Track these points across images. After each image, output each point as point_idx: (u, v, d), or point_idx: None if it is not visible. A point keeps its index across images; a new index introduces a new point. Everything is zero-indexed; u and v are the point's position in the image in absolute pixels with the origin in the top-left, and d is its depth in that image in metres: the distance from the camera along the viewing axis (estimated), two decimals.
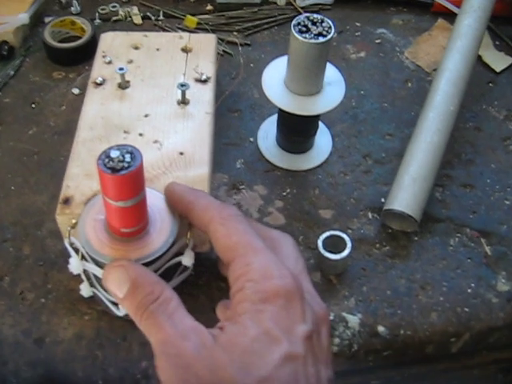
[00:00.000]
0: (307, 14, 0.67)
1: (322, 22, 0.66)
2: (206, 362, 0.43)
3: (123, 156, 0.50)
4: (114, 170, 0.49)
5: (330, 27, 0.66)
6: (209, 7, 0.99)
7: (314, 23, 0.66)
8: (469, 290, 0.70)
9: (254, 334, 0.43)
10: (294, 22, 0.66)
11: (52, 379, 0.63)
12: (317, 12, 0.99)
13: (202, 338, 0.44)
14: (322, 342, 0.47)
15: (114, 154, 0.50)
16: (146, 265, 0.57)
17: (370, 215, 0.75)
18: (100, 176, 0.50)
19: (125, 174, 0.49)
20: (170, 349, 0.44)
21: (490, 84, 0.92)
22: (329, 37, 0.65)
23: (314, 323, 0.46)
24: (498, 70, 0.93)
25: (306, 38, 0.65)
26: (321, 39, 0.65)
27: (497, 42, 0.98)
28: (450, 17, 0.98)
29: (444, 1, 0.98)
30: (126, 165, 0.49)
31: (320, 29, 0.66)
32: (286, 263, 0.49)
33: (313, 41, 0.65)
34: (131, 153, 0.50)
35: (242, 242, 0.48)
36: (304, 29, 0.66)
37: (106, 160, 0.49)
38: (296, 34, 0.65)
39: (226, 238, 0.49)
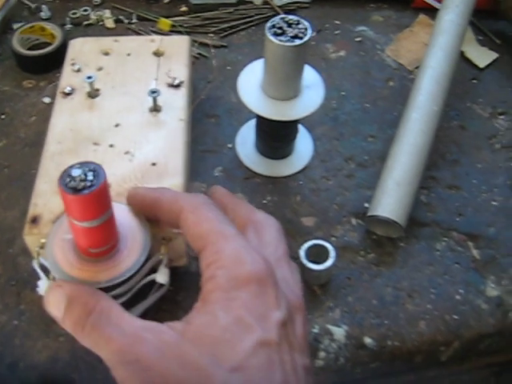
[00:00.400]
0: (282, 16, 0.64)
1: (298, 23, 0.64)
2: (172, 359, 0.40)
3: (85, 174, 0.47)
4: (75, 190, 0.46)
5: (306, 29, 0.63)
6: (183, 8, 0.96)
7: (289, 25, 0.63)
8: (457, 297, 0.67)
9: (225, 323, 0.41)
10: (269, 24, 0.63)
11: None
12: (294, 11, 0.97)
13: (161, 336, 0.42)
14: (297, 330, 0.45)
15: (76, 172, 0.47)
16: (118, 285, 0.54)
17: (353, 221, 0.73)
18: (62, 196, 0.47)
19: (87, 193, 0.46)
20: (127, 356, 0.41)
21: (474, 80, 0.90)
22: (305, 39, 0.62)
23: (288, 310, 0.44)
24: (481, 65, 0.91)
25: (281, 40, 0.62)
26: (297, 42, 0.62)
27: (479, 37, 0.96)
28: (432, 12, 0.96)
29: None
30: (88, 184, 0.47)
31: (296, 31, 0.63)
32: (265, 249, 0.48)
33: (288, 44, 0.62)
34: (94, 170, 0.48)
35: (212, 230, 0.46)
36: (279, 31, 0.63)
37: (68, 179, 0.47)
38: (271, 37, 0.62)
39: (196, 226, 0.47)
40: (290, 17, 0.64)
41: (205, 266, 0.45)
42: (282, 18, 0.64)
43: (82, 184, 0.46)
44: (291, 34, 0.63)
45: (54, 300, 0.48)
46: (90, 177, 0.47)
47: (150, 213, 0.53)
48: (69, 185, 0.46)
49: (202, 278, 0.45)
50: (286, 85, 0.67)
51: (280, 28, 0.63)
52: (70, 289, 0.48)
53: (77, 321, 0.45)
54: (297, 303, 0.47)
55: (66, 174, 0.47)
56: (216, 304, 0.42)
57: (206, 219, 0.47)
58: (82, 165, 0.48)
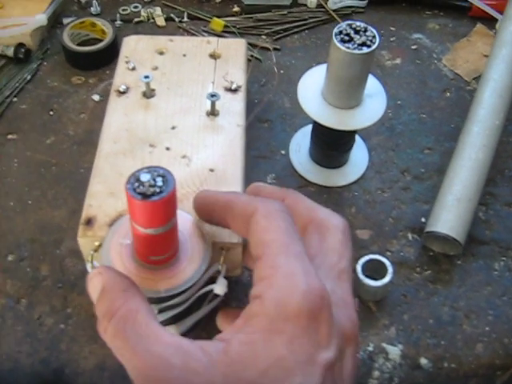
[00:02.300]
0: (349, 22, 0.62)
1: (366, 30, 0.62)
2: None
3: (154, 180, 0.45)
4: (144, 196, 0.45)
5: (374, 36, 0.61)
6: (235, 9, 0.94)
7: (356, 32, 0.61)
8: None
9: (264, 366, 0.36)
10: (336, 30, 0.61)
11: None
12: (349, 15, 0.95)
13: (189, 364, 0.36)
14: (345, 368, 0.40)
15: (145, 177, 0.45)
16: (176, 295, 0.53)
17: (409, 236, 0.71)
18: (129, 201, 0.46)
19: (157, 200, 0.45)
20: (149, 379, 0.37)
21: None
22: (373, 47, 0.60)
23: (338, 347, 0.39)
24: None
25: (348, 48, 0.60)
26: (365, 49, 0.60)
27: None
28: (489, 22, 0.94)
29: (483, 4, 0.93)
30: (157, 190, 0.45)
31: (364, 38, 0.61)
32: (327, 257, 0.44)
33: (356, 51, 0.60)
34: (163, 176, 0.46)
35: (278, 241, 0.41)
36: (346, 38, 0.61)
37: (136, 184, 0.45)
38: (338, 44, 0.60)
39: (263, 232, 0.42)
40: (358, 23, 0.62)
41: (257, 279, 0.41)
42: (349, 25, 0.62)
43: (152, 190, 0.45)
44: (359, 42, 0.61)
45: (92, 286, 0.44)
46: (160, 183, 0.45)
47: (220, 216, 0.49)
48: (137, 190, 0.44)
49: (252, 290, 0.40)
50: (349, 93, 0.65)
51: (347, 34, 0.61)
52: (106, 278, 0.44)
53: (102, 316, 0.41)
54: (351, 332, 0.42)
55: (134, 178, 0.45)
56: (258, 334, 0.38)
57: (276, 228, 0.42)
58: (150, 169, 0.46)
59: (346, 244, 0.47)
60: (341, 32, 0.61)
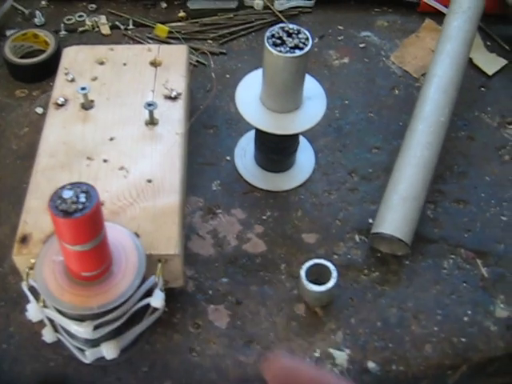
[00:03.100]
0: (282, 25, 0.61)
1: (299, 32, 0.61)
2: None
3: (77, 196, 0.45)
4: (66, 213, 0.44)
5: (307, 38, 0.60)
6: (181, 14, 0.93)
7: (289, 34, 0.61)
8: (465, 318, 0.65)
9: None
10: (268, 33, 0.60)
11: None
12: (296, 16, 0.94)
13: None
14: None
15: (67, 194, 0.44)
16: (111, 310, 0.52)
17: (357, 238, 0.70)
18: (52, 219, 0.45)
19: (79, 216, 0.44)
20: None
21: (482, 88, 0.87)
22: (306, 49, 0.60)
23: None
24: (490, 73, 0.88)
25: (280, 51, 0.59)
26: (297, 52, 0.59)
27: (488, 43, 0.93)
28: (438, 17, 0.93)
29: (431, 0, 0.93)
30: (80, 206, 0.44)
31: (296, 41, 0.60)
32: None
33: (288, 54, 0.59)
34: (86, 192, 0.45)
35: None
36: (279, 41, 0.60)
37: (58, 202, 0.44)
38: (270, 48, 0.59)
39: None
40: (290, 26, 0.61)
41: None
42: (282, 28, 0.61)
43: (74, 207, 0.44)
44: (291, 45, 0.60)
45: None
46: (82, 199, 0.44)
47: None
48: (59, 207, 0.44)
49: None
50: (285, 97, 0.64)
51: (279, 38, 0.60)
52: None
53: None
54: None
55: (56, 196, 0.44)
56: None
57: None
58: (73, 186, 0.45)
59: None
60: (273, 35, 0.61)
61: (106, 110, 0.68)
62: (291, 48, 0.60)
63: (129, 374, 0.60)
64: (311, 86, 0.67)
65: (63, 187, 0.45)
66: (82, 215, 0.44)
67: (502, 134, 0.81)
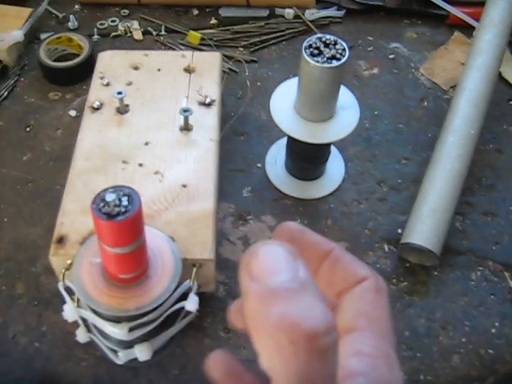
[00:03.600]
0: (319, 35, 0.62)
1: (336, 43, 0.61)
2: None
3: (120, 199, 0.45)
4: (109, 216, 0.44)
5: (344, 49, 0.61)
6: (213, 21, 0.94)
7: (326, 45, 0.61)
8: (492, 330, 0.65)
9: None
10: (305, 43, 0.61)
11: None
12: (326, 25, 0.95)
13: None
14: None
15: (110, 197, 0.45)
16: (147, 313, 0.52)
17: (386, 248, 0.70)
18: (95, 221, 0.46)
19: (122, 219, 0.45)
20: None
21: (511, 102, 0.87)
22: (343, 60, 0.60)
23: None
24: None
25: (318, 61, 0.60)
26: (334, 63, 0.60)
27: None
28: (467, 29, 0.94)
29: (460, 13, 0.93)
30: (122, 209, 0.45)
31: (333, 51, 0.61)
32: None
33: (326, 65, 0.60)
34: (128, 195, 0.46)
35: (382, 322, 0.34)
36: (316, 51, 0.61)
37: (101, 204, 0.45)
38: (307, 58, 0.60)
39: (371, 305, 0.35)
40: (328, 36, 0.62)
41: (352, 351, 0.33)
42: (319, 38, 0.62)
43: (117, 210, 0.45)
44: (328, 55, 0.60)
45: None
46: (125, 202, 0.45)
47: (313, 264, 0.37)
48: (102, 210, 0.44)
49: (346, 360, 0.32)
50: (320, 106, 0.65)
51: (317, 48, 0.61)
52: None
53: None
54: None
55: (99, 198, 0.45)
56: None
57: (383, 308, 0.35)
58: (115, 189, 0.46)
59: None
60: (310, 46, 0.61)
61: (141, 114, 0.69)
62: (328, 58, 0.60)
63: (160, 377, 0.60)
64: (344, 96, 0.68)
65: (106, 190, 0.46)
66: (125, 218, 0.45)
67: None
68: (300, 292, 0.25)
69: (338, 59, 0.60)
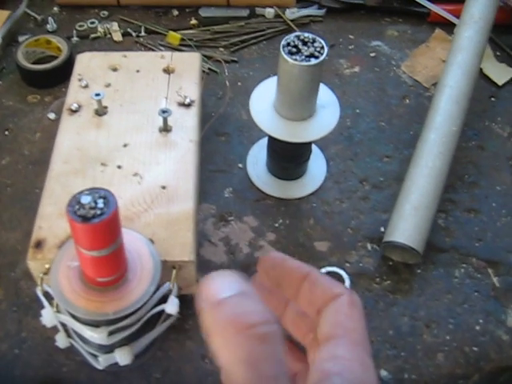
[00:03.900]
0: (297, 33, 0.61)
1: (314, 41, 0.61)
2: None
3: (95, 202, 0.45)
4: (85, 219, 0.44)
5: (322, 47, 0.61)
6: (193, 21, 0.93)
7: (304, 43, 0.61)
8: (477, 327, 0.65)
9: None
10: (283, 42, 0.61)
11: None
12: (307, 24, 0.94)
13: None
14: None
15: (85, 199, 0.44)
16: (126, 317, 0.52)
17: (369, 246, 0.70)
18: (70, 224, 0.45)
19: (97, 222, 0.44)
20: None
21: (492, 98, 0.87)
22: (321, 58, 0.60)
23: None
24: (500, 83, 0.88)
25: (296, 60, 0.59)
26: (313, 61, 0.60)
27: (497, 53, 0.93)
28: (448, 27, 0.94)
29: (441, 10, 0.93)
30: (98, 212, 0.44)
31: (312, 49, 0.60)
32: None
33: (304, 63, 0.59)
34: (104, 197, 0.45)
35: (358, 333, 0.37)
36: (294, 50, 0.60)
37: (77, 207, 0.44)
38: (285, 56, 0.60)
39: (346, 318, 0.37)
40: (306, 34, 0.61)
41: (328, 356, 0.35)
42: (297, 36, 0.61)
43: (92, 212, 0.44)
44: (306, 53, 0.60)
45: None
46: (101, 204, 0.44)
47: (292, 287, 0.41)
48: (78, 212, 0.44)
49: (319, 361, 0.34)
50: (300, 105, 0.64)
51: (295, 46, 0.61)
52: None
53: None
54: None
55: (74, 201, 0.44)
56: None
57: (358, 320, 0.37)
58: (91, 191, 0.45)
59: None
60: (288, 44, 0.61)
61: (120, 116, 0.69)
62: (306, 56, 0.60)
63: (141, 381, 0.59)
64: (324, 95, 0.67)
65: (81, 192, 0.45)
66: (101, 221, 0.44)
67: None
68: (242, 298, 0.30)
69: (317, 57, 0.60)
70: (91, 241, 0.46)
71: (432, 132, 0.72)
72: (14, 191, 0.73)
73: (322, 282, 0.39)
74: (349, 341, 0.36)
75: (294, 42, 0.61)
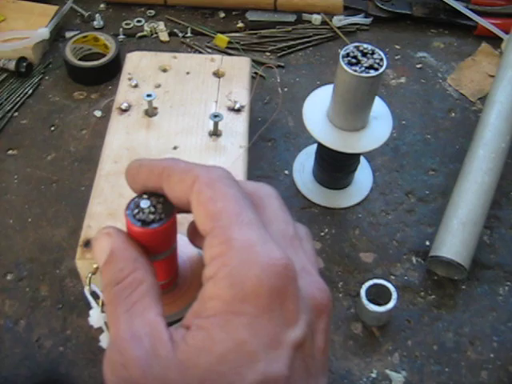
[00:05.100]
0: (356, 44, 0.61)
1: (373, 53, 0.61)
2: (156, 381, 0.32)
3: (155, 206, 0.44)
4: (144, 223, 0.43)
5: (381, 59, 0.60)
6: (239, 25, 0.94)
7: (364, 54, 0.61)
8: None
9: (223, 350, 0.32)
10: (343, 52, 0.60)
11: None
12: (353, 33, 0.94)
13: (156, 345, 0.33)
14: (317, 343, 0.35)
15: (145, 203, 0.44)
16: (176, 321, 0.52)
17: (414, 260, 0.70)
18: (128, 228, 0.44)
19: (157, 227, 0.44)
20: (116, 355, 0.34)
21: None
22: (381, 70, 0.60)
23: (307, 323, 0.34)
24: None
25: (356, 70, 0.59)
26: (372, 73, 0.59)
27: None
28: (495, 41, 0.93)
29: (488, 24, 0.92)
30: (157, 217, 0.44)
31: (371, 61, 0.60)
32: (273, 227, 0.38)
33: (364, 74, 0.59)
34: (163, 203, 0.45)
35: (228, 211, 0.35)
36: (353, 60, 0.60)
37: (136, 211, 0.44)
38: (345, 67, 0.59)
39: (210, 203, 0.36)
40: (365, 45, 0.61)
41: (209, 257, 0.35)
42: (357, 47, 0.61)
43: (152, 217, 0.43)
44: (366, 65, 0.60)
45: (99, 247, 0.40)
46: (160, 209, 0.44)
47: (155, 185, 0.42)
48: (137, 216, 0.43)
49: (205, 270, 0.35)
50: (355, 116, 0.64)
51: (354, 57, 0.60)
52: (116, 241, 0.40)
53: (107, 283, 0.38)
54: (322, 302, 0.36)
55: (133, 204, 0.44)
56: (214, 318, 0.33)
57: (223, 196, 0.36)
58: (150, 195, 0.45)
59: (286, 211, 0.40)
60: (348, 54, 0.60)
61: (170, 118, 0.68)
62: (366, 68, 0.60)
63: None
64: (378, 106, 0.67)
65: (140, 196, 0.45)
66: (160, 226, 0.43)
67: None
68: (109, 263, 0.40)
69: (376, 69, 0.60)
70: (148, 246, 0.46)
71: (481, 148, 0.72)
72: (60, 187, 0.74)
73: (176, 173, 0.39)
74: (219, 230, 0.35)
75: (353, 52, 0.61)
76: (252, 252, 0.34)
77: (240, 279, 0.33)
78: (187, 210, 0.40)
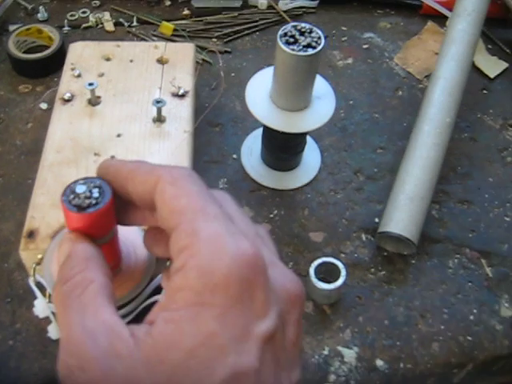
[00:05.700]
0: (294, 23, 0.61)
1: (311, 31, 0.61)
2: (117, 380, 0.31)
3: (90, 191, 0.44)
4: (80, 208, 0.43)
5: (319, 37, 0.60)
6: (185, 12, 0.93)
7: (301, 33, 0.61)
8: (471, 317, 0.65)
9: (191, 344, 0.31)
10: (281, 32, 0.60)
11: None
12: (300, 16, 0.94)
13: (115, 343, 0.32)
14: (288, 335, 0.35)
15: (80, 189, 0.44)
16: (119, 308, 0.51)
17: (363, 237, 0.70)
18: (65, 214, 0.44)
19: (93, 212, 0.43)
20: (70, 358, 0.33)
21: (484, 91, 0.87)
22: (319, 48, 0.60)
23: (278, 314, 0.34)
24: (491, 75, 0.89)
25: (293, 49, 0.59)
26: (310, 51, 0.59)
27: (489, 46, 0.93)
28: (440, 19, 0.94)
29: (433, 3, 0.93)
30: (93, 201, 0.43)
31: (309, 39, 0.60)
32: (235, 221, 0.37)
33: (301, 53, 0.59)
34: (99, 187, 0.44)
35: (192, 206, 0.35)
36: (291, 40, 0.60)
37: (71, 196, 0.43)
38: (283, 46, 0.59)
39: (173, 200, 0.36)
40: (303, 24, 0.61)
41: (176, 251, 0.35)
42: (294, 26, 0.61)
43: (87, 202, 0.43)
44: (304, 43, 0.60)
45: (61, 251, 0.41)
46: (96, 194, 0.44)
47: (121, 187, 0.42)
48: (72, 202, 0.43)
49: (172, 265, 0.35)
50: (296, 95, 0.64)
51: (292, 36, 0.60)
52: (75, 244, 0.41)
53: (57, 282, 0.38)
54: (294, 293, 0.36)
55: (69, 190, 0.44)
56: (183, 310, 0.32)
57: (187, 193, 0.36)
58: (86, 180, 0.44)
59: (243, 212, 0.41)
60: (285, 34, 0.61)
61: (113, 106, 0.68)
62: (304, 46, 0.60)
63: None
64: (320, 86, 0.67)
65: (76, 182, 0.44)
66: (96, 210, 0.43)
67: (504, 136, 0.82)
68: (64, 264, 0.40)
69: (314, 47, 0.60)
70: (86, 231, 0.46)
71: (426, 123, 0.73)
72: (6, 182, 0.73)
73: (139, 175, 0.39)
74: (186, 225, 0.35)
75: (290, 32, 0.61)
76: (220, 242, 0.33)
77: (209, 269, 0.32)
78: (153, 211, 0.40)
